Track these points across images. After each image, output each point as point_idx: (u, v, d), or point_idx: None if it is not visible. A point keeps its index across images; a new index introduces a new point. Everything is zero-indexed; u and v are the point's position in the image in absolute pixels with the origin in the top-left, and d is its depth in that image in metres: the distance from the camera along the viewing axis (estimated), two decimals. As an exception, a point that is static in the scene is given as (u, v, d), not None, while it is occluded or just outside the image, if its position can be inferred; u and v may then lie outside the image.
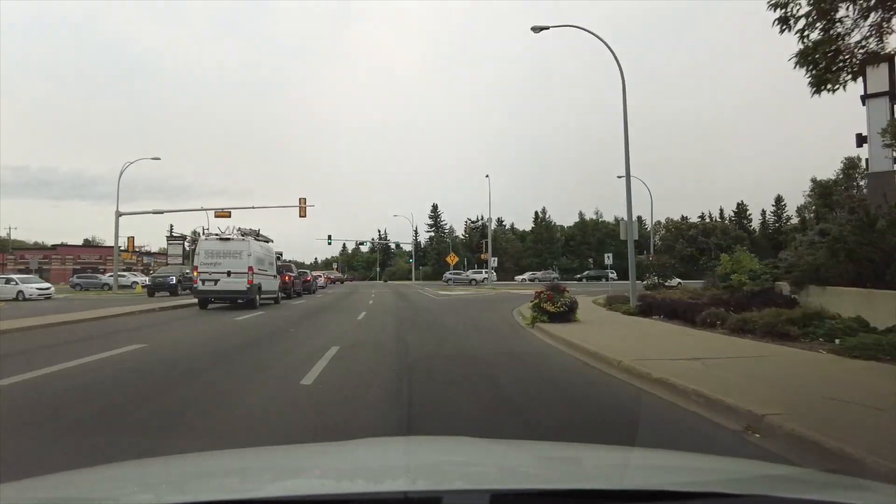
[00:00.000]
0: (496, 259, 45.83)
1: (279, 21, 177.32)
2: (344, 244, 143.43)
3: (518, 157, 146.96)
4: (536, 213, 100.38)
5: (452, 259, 39.13)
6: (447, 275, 60.94)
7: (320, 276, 49.52)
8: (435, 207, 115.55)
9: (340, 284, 68.97)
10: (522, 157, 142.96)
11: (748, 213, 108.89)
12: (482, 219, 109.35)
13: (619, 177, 46.37)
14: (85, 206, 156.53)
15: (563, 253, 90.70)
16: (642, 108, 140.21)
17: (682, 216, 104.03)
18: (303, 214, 43.30)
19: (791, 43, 6.88)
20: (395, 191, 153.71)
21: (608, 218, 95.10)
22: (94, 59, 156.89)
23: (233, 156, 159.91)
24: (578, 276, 70.49)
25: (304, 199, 43.24)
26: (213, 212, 42.95)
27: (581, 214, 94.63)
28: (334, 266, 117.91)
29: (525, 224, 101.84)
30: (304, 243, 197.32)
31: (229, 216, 43.01)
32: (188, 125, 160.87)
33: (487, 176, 46.53)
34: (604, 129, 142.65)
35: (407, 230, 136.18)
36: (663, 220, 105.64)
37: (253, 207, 43.73)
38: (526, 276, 68.47)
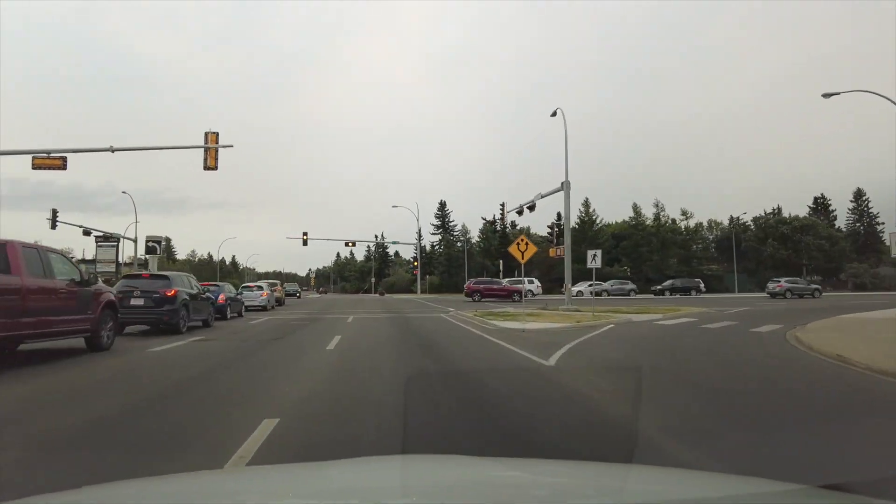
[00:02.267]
0: (590, 256, 24.27)
1: (278, 32, 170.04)
2: (338, 253, 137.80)
3: (527, 154, 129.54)
4: (559, 213, 79.52)
5: (524, 247, 17.51)
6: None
7: (260, 289, 28.02)
8: (443, 205, 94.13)
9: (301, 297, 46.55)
10: (533, 154, 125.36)
11: (831, 208, 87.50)
12: (497, 221, 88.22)
13: (826, 96, 24.87)
14: (82, 217, 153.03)
15: (615, 258, 69.03)
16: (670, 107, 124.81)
17: (731, 215, 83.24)
18: (212, 164, 21.89)
19: None
20: (396, 194, 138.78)
21: (670, 212, 73.43)
22: (91, 67, 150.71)
23: (231, 167, 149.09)
24: (658, 287, 48.83)
25: (216, 134, 21.77)
26: (31, 158, 21.38)
27: (636, 208, 72.74)
28: (313, 277, 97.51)
29: (543, 228, 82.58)
30: (299, 257, 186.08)
31: (62, 166, 21.44)
32: (185, 135, 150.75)
33: (555, 114, 25.42)
34: (632, 120, 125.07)
35: (408, 232, 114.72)
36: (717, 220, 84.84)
37: (112, 150, 22.18)
38: (583, 286, 46.94)
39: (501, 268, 47.11)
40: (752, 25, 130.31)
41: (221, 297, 19.82)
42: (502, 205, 39.48)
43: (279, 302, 33.52)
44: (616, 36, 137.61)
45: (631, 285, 48.10)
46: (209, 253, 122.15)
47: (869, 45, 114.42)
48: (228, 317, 20.08)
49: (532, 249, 17.79)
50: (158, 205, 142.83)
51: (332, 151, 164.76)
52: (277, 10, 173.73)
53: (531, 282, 44.27)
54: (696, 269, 65.04)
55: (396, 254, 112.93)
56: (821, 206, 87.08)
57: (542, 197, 30.45)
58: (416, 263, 59.79)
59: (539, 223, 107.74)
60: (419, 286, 57.50)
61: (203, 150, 21.69)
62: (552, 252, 27.08)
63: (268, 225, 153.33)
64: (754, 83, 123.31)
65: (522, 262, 17.77)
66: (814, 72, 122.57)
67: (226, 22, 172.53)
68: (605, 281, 52.12)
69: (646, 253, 65.77)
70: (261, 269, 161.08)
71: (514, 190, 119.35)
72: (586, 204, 75.70)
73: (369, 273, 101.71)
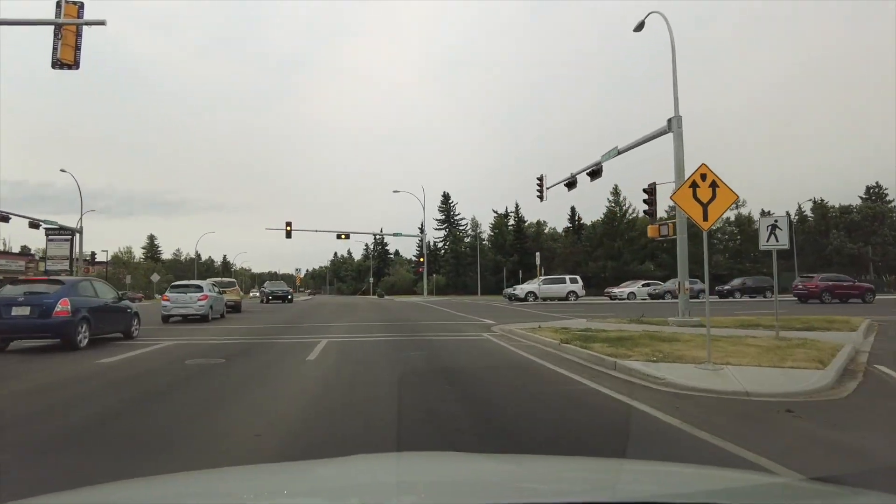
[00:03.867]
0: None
1: (278, 33, 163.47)
2: (335, 252, 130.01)
3: (531, 152, 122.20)
4: (573, 207, 70.90)
5: (709, 195, 8.33)
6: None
7: (198, 290, 18.15)
8: (447, 197, 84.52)
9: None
10: (535, 154, 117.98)
11: (888, 198, 76.90)
12: (510, 213, 78.43)
13: None
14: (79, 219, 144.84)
15: (649, 254, 59.52)
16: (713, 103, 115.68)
17: (763, 209, 73.48)
18: (68, 57, 12.04)
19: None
20: (396, 194, 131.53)
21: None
22: (91, 67, 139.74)
23: (230, 171, 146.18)
24: (725, 287, 39.00)
25: (77, 6, 11.97)
26: None
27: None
28: (299, 277, 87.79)
29: (557, 223, 77.34)
30: (297, 259, 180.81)
31: None
32: (184, 141, 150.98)
33: (641, 26, 15.23)
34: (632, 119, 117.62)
35: (409, 230, 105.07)
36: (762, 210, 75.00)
37: None
38: (635, 287, 37.22)
39: (538, 261, 37.18)
40: (752, 25, 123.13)
41: (61, 306, 9.89)
42: (540, 178, 29.47)
43: (235, 308, 23.57)
44: (616, 36, 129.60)
45: (700, 285, 38.23)
46: (197, 252, 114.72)
47: (868, 45, 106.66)
48: (81, 344, 10.17)
49: (728, 197, 7.93)
50: (160, 206, 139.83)
51: (332, 152, 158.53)
52: (277, 11, 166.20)
53: (574, 281, 34.26)
54: (751, 267, 55.60)
55: (397, 252, 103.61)
56: (874, 196, 76.47)
57: (619, 153, 20.50)
58: (421, 260, 49.81)
59: (554, 216, 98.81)
60: (426, 286, 47.64)
61: (53, 29, 11.73)
62: (652, 231, 17.36)
63: (265, 226, 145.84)
64: (753, 83, 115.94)
65: (706, 226, 7.87)
66: (814, 71, 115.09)
67: (225, 23, 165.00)
68: (638, 281, 42.42)
69: (691, 247, 56.05)
70: (256, 270, 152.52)
71: (514, 190, 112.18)
72: (616, 192, 65.89)
73: (367, 272, 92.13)
